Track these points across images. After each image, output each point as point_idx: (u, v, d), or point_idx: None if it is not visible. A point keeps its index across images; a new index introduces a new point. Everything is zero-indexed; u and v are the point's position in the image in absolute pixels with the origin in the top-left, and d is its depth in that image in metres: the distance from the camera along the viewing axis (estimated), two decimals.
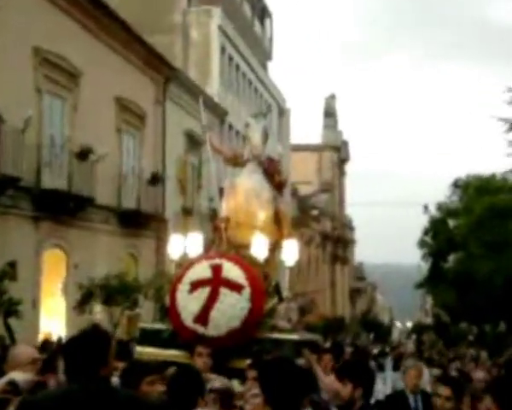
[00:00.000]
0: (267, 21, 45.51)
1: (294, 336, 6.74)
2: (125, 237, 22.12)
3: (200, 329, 6.53)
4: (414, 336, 63.90)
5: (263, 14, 44.18)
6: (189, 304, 6.66)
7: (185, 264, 7.32)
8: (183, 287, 6.80)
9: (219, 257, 7.11)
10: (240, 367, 5.72)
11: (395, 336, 78.45)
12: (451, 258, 37.46)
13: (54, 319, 17.59)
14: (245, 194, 8.05)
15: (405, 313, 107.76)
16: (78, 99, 19.61)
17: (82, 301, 16.19)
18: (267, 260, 7.66)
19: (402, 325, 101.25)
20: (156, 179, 23.73)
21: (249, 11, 40.83)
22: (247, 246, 7.55)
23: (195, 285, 6.74)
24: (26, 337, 13.07)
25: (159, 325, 7.16)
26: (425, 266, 38.38)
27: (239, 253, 7.66)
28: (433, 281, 37.83)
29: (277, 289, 7.49)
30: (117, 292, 16.26)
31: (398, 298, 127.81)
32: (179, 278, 6.96)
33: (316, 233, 54.37)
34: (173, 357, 6.50)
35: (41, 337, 15.81)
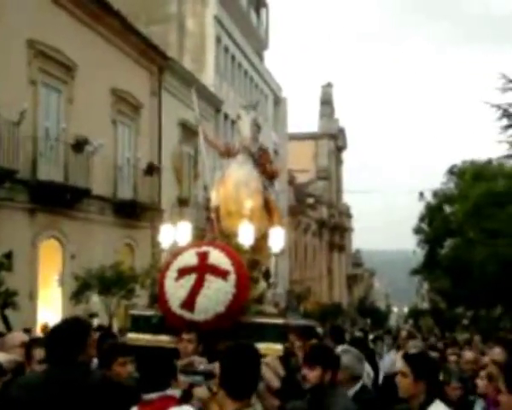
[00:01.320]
0: (263, 11, 45.54)
1: (279, 321, 6.93)
2: (121, 227, 22.33)
3: (186, 314, 6.73)
4: (411, 322, 64.29)
5: (258, 3, 44.21)
6: (176, 291, 6.86)
7: (173, 252, 7.53)
8: (171, 274, 7.01)
9: (206, 245, 7.33)
10: None
11: (392, 321, 78.90)
12: (447, 244, 37.68)
13: (51, 310, 17.79)
14: (234, 184, 8.26)
15: (402, 298, 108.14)
16: (74, 91, 19.77)
17: (78, 292, 16.41)
18: (258, 248, 7.87)
19: (399, 311, 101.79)
20: (152, 170, 23.91)
21: (245, 1, 40.87)
22: (237, 235, 7.74)
23: (182, 272, 6.95)
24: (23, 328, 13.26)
25: (148, 312, 7.37)
26: (421, 253, 38.64)
27: (230, 241, 7.86)
28: (429, 267, 38.10)
29: (266, 276, 7.69)
30: (113, 282, 16.48)
31: (395, 284, 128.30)
32: (167, 266, 7.18)
33: (312, 221, 54.58)
34: (162, 342, 6.72)
35: (38, 328, 16.01)
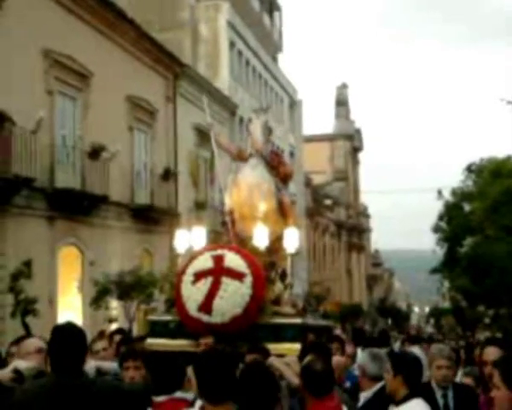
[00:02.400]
0: (276, 14, 45.56)
1: (297, 321, 6.97)
2: (139, 232, 22.45)
3: (204, 317, 6.79)
4: (432, 321, 63.97)
5: (271, 7, 44.23)
6: (193, 294, 6.93)
7: (189, 256, 7.60)
8: (187, 278, 7.08)
9: (221, 248, 7.39)
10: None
11: (413, 321, 78.51)
12: (467, 242, 37.40)
13: (71, 317, 17.91)
14: (247, 187, 8.31)
15: (423, 298, 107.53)
16: (89, 99, 19.91)
17: (97, 298, 16.53)
18: (274, 250, 7.91)
19: (420, 310, 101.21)
20: (168, 175, 24.02)
21: (257, 4, 40.91)
22: (252, 237, 7.79)
23: (199, 276, 7.02)
24: (44, 335, 13.37)
25: (166, 317, 7.44)
26: (440, 252, 38.39)
27: (245, 245, 7.91)
28: (449, 266, 37.84)
29: (282, 277, 7.72)
30: (131, 287, 16.58)
31: (415, 284, 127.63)
32: (183, 270, 7.24)
33: (330, 222, 54.47)
34: (180, 346, 6.76)
35: None
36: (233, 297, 6.78)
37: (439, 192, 38.42)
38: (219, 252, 7.22)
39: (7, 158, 15.49)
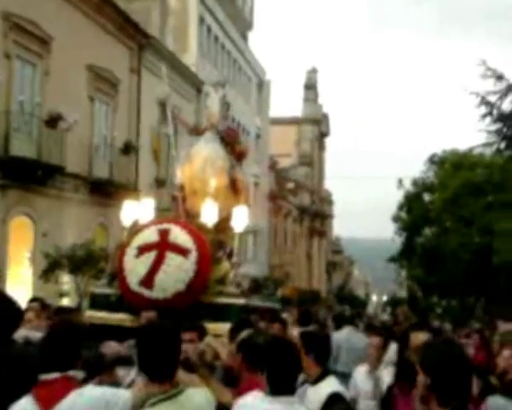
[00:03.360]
0: None
1: (241, 301, 6.82)
2: (95, 206, 21.99)
3: (145, 292, 6.61)
4: (389, 310, 64.51)
5: None
6: (135, 268, 6.73)
7: (134, 229, 7.38)
8: (131, 251, 6.88)
9: (168, 222, 7.18)
10: None
11: (370, 309, 79.34)
12: (424, 232, 37.74)
13: (20, 288, 17.45)
14: (200, 162, 8.15)
15: (382, 286, 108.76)
16: (50, 65, 19.38)
17: (48, 270, 16.12)
18: (223, 228, 7.73)
19: (378, 299, 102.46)
20: (129, 149, 23.55)
21: None
22: (201, 214, 7.60)
23: (142, 249, 6.83)
24: None
25: (108, 290, 7.22)
26: (399, 241, 38.62)
27: (194, 221, 7.72)
28: (406, 255, 38.16)
29: (229, 256, 7.56)
30: (83, 262, 16.22)
31: (375, 272, 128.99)
32: (127, 243, 7.03)
33: (293, 207, 54.46)
34: (120, 321, 6.57)
35: None
36: (176, 273, 6.60)
37: (400, 181, 38.61)
38: (165, 226, 7.01)
39: None
